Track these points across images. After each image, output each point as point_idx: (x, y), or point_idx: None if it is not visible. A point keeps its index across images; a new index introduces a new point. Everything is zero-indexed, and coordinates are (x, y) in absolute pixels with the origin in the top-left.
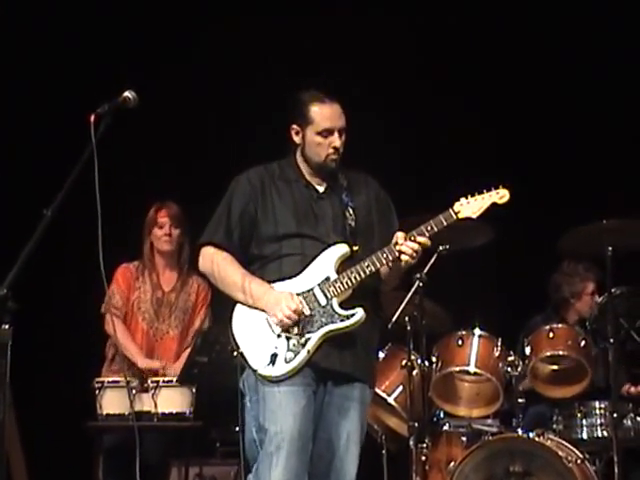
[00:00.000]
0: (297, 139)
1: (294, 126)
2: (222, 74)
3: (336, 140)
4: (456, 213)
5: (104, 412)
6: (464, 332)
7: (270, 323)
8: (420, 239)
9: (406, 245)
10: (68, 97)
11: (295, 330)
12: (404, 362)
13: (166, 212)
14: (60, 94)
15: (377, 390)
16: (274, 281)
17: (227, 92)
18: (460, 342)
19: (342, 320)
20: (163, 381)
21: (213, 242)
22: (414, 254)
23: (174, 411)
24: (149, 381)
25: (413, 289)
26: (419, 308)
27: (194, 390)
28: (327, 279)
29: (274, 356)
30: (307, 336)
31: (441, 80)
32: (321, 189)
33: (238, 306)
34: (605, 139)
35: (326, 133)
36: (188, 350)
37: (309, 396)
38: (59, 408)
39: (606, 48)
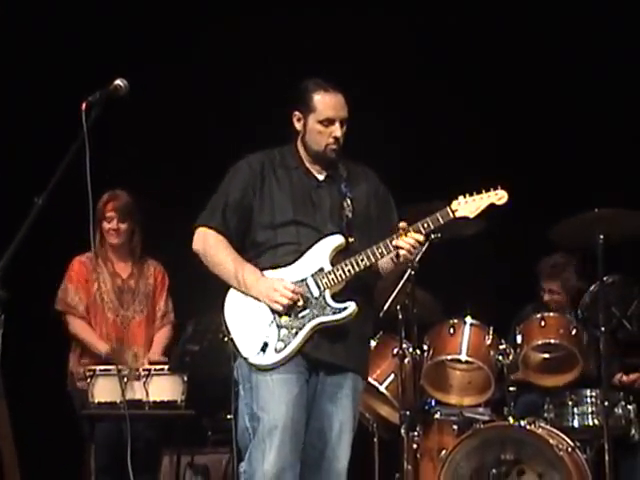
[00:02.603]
0: (298, 126)
1: (296, 113)
2: (221, 74)
3: (337, 130)
4: (453, 212)
5: (96, 400)
6: (456, 320)
7: (262, 311)
8: (415, 236)
9: (403, 240)
10: (67, 96)
11: (287, 319)
12: (395, 350)
13: (113, 205)
14: (59, 92)
15: (369, 378)
16: (268, 269)
17: (227, 92)
18: (452, 330)
19: (334, 313)
20: (154, 369)
21: (209, 225)
22: (412, 249)
23: (166, 399)
24: (141, 369)
25: (405, 278)
26: (410, 297)
27: (186, 378)
28: (321, 270)
29: (265, 345)
30: (298, 326)
31: (441, 80)
32: (321, 177)
33: (231, 291)
34: (595, 130)
35: (327, 122)
36: (161, 335)
37: (302, 384)
38: (50, 398)
39: (605, 48)
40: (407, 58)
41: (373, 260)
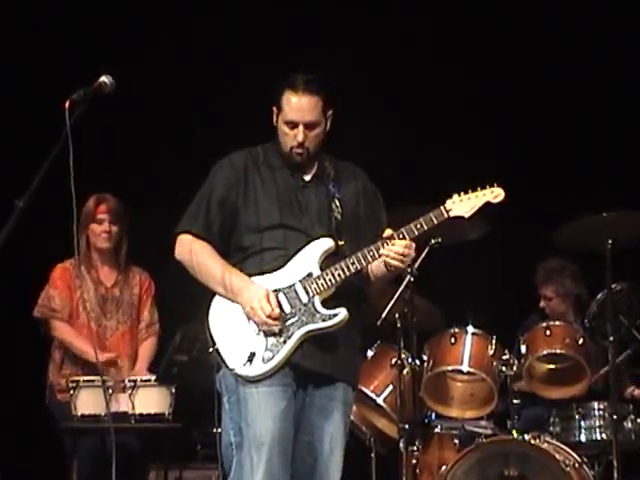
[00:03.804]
0: (274, 121)
1: (273, 108)
2: (214, 70)
3: (299, 134)
4: (447, 211)
5: (79, 413)
6: (457, 330)
7: (249, 318)
8: (400, 243)
9: (388, 249)
10: (49, 95)
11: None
12: (394, 361)
13: (106, 207)
14: (40, 90)
15: (366, 390)
16: (254, 275)
17: (216, 90)
18: (453, 340)
19: (324, 320)
20: (141, 380)
21: (192, 232)
22: (401, 257)
23: (152, 412)
24: (126, 380)
25: (403, 284)
26: (410, 304)
27: (173, 390)
28: (309, 275)
29: (252, 355)
30: (286, 335)
31: (443, 78)
32: (307, 177)
33: (217, 298)
34: (603, 131)
35: (291, 125)
36: (145, 348)
37: (289, 397)
38: (31, 410)
39: (619, 48)
40: (408, 56)
41: (364, 264)
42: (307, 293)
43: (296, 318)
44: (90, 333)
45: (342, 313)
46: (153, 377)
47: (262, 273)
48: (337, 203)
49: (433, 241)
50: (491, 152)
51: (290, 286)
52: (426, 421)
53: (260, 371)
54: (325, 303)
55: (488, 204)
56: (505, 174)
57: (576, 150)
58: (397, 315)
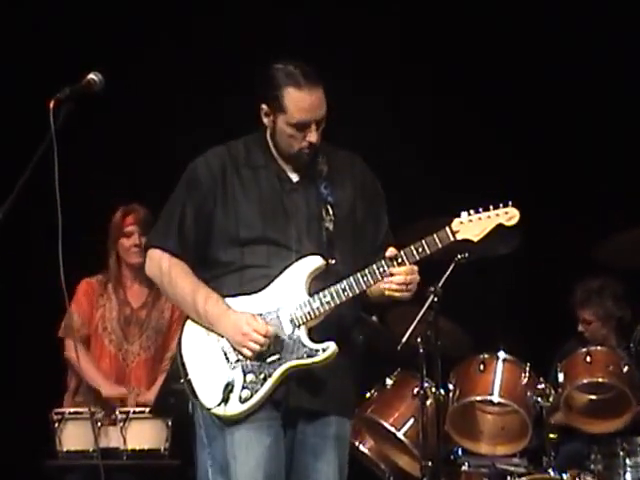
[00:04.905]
0: (266, 121)
1: (264, 106)
2: (214, 70)
3: (312, 134)
4: (454, 233)
5: (64, 449)
6: (486, 355)
7: (225, 351)
8: (399, 270)
9: (389, 282)
10: (48, 89)
11: (253, 363)
12: (416, 390)
13: (134, 218)
14: (38, 86)
15: (384, 423)
16: (232, 296)
17: (216, 90)
18: (482, 367)
19: (310, 356)
20: (133, 412)
21: (164, 248)
22: (405, 287)
23: (146, 447)
24: (117, 412)
25: (427, 305)
26: (433, 327)
27: (170, 423)
28: (295, 301)
29: (228, 392)
30: (267, 371)
31: (442, 75)
32: (295, 178)
33: (189, 323)
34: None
35: (301, 126)
36: (164, 376)
37: (276, 431)
38: (14, 444)
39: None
40: (408, 56)
41: (357, 291)
42: (292, 322)
43: (279, 351)
44: (109, 358)
45: (331, 348)
46: (147, 408)
47: (241, 294)
48: (329, 209)
49: (459, 256)
50: (524, 161)
51: (273, 312)
52: (452, 458)
53: (236, 411)
54: (312, 332)
55: (501, 227)
56: (540, 183)
57: (621, 159)
58: (419, 339)
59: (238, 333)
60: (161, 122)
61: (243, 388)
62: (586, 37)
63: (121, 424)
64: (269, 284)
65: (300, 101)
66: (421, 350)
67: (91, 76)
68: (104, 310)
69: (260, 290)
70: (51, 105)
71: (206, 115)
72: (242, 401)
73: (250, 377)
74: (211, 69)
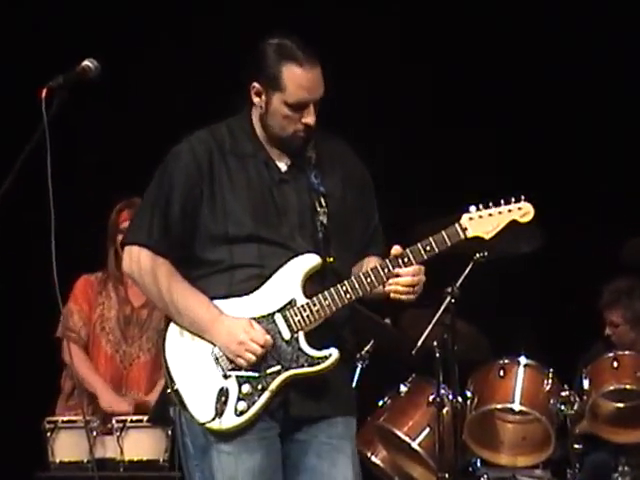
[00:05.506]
0: (257, 101)
1: (255, 85)
2: (214, 70)
3: (310, 115)
4: (464, 230)
5: (57, 459)
6: (506, 361)
7: (217, 357)
8: (404, 271)
9: (394, 285)
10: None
11: (249, 372)
12: (432, 398)
13: (129, 214)
14: (38, 86)
15: (398, 432)
16: (222, 298)
17: (216, 90)
18: (502, 373)
19: (310, 364)
20: (131, 420)
21: (145, 245)
22: (410, 290)
23: (145, 458)
24: (114, 420)
25: (443, 307)
26: (450, 330)
27: (170, 432)
28: (291, 303)
29: (222, 404)
30: (265, 381)
31: (443, 76)
32: (283, 167)
33: (172, 327)
34: None
35: (299, 106)
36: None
37: (268, 444)
38: (3, 454)
39: None
40: (408, 57)
41: (360, 293)
42: (289, 327)
43: (276, 360)
44: (106, 360)
45: (333, 356)
46: (145, 417)
47: (231, 296)
48: (322, 201)
49: (478, 255)
50: (547, 157)
51: (269, 316)
52: (470, 469)
53: (232, 425)
54: (311, 336)
55: (514, 223)
56: (565, 179)
57: None
58: (435, 343)
59: (233, 342)
60: (161, 122)
61: (239, 400)
62: (586, 37)
63: (118, 433)
64: (262, 285)
65: (301, 80)
66: (437, 355)
67: (86, 63)
68: (103, 308)
69: (252, 291)
70: (43, 94)
71: (206, 115)
72: (238, 414)
73: (246, 388)
74: (211, 69)
